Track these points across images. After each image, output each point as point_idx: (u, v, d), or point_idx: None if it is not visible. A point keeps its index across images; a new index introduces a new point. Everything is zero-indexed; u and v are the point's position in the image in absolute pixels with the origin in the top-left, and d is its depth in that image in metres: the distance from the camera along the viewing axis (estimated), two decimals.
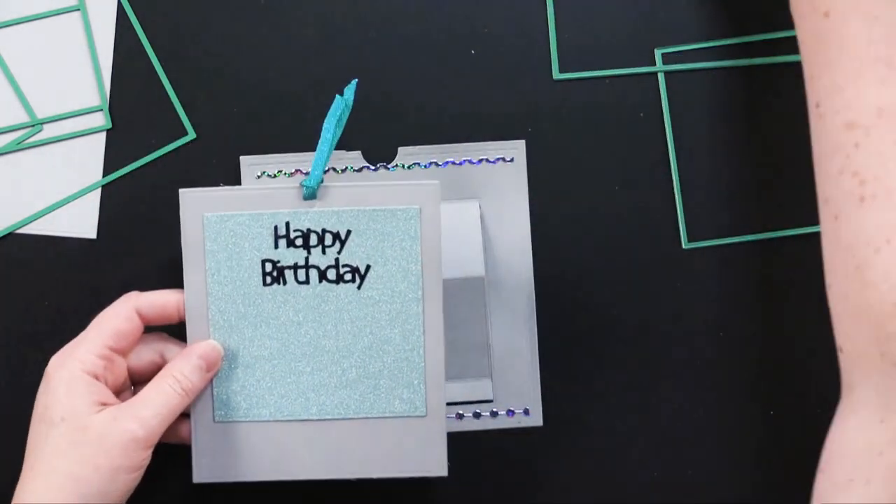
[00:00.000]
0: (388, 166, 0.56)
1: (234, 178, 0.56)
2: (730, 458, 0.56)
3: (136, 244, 0.56)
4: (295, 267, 0.51)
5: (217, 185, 0.56)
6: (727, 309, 0.57)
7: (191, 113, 0.57)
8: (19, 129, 0.57)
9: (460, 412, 0.56)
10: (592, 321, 0.56)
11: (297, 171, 0.56)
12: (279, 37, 0.57)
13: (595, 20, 0.57)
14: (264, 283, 0.51)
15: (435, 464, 0.52)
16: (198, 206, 0.50)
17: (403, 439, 0.51)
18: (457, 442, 0.56)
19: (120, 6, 0.57)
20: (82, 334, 0.50)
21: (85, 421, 0.47)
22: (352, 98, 0.51)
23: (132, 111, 0.57)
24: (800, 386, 0.57)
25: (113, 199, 0.56)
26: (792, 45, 0.58)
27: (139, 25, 0.57)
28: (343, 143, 0.56)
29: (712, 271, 0.57)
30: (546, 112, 0.57)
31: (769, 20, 0.57)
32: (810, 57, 0.45)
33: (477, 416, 0.56)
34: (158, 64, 0.57)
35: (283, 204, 0.50)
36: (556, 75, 0.57)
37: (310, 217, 0.50)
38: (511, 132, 0.57)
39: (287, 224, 0.50)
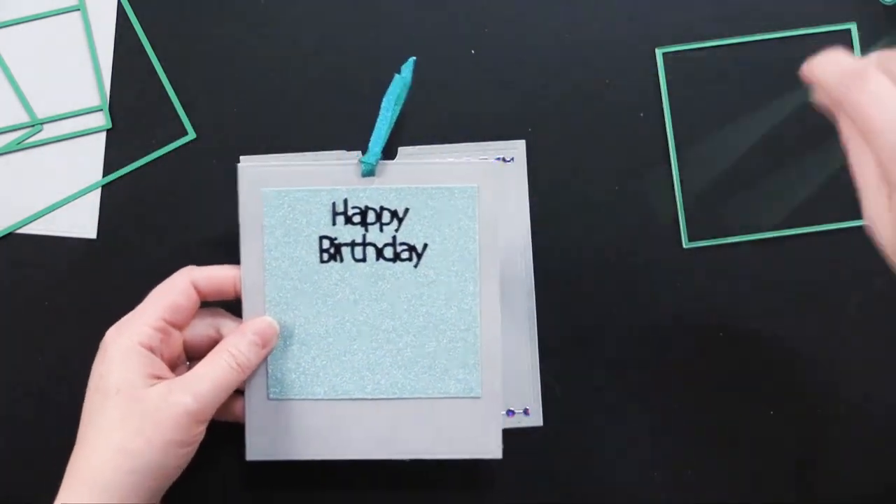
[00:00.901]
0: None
1: (234, 178, 0.56)
2: (730, 458, 0.56)
3: (136, 244, 0.56)
4: (352, 244, 0.50)
5: (216, 184, 0.56)
6: (727, 309, 0.57)
7: (191, 113, 0.57)
8: (19, 129, 0.57)
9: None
10: (592, 321, 0.56)
11: None
12: (279, 37, 0.57)
13: (595, 20, 0.57)
14: (321, 260, 0.50)
15: (489, 446, 0.51)
16: (256, 180, 0.50)
17: (458, 421, 0.51)
18: None
19: (120, 6, 0.57)
20: (139, 307, 0.49)
21: (139, 393, 0.46)
22: (410, 76, 0.51)
23: (132, 111, 0.57)
24: (800, 386, 0.57)
25: (113, 199, 0.56)
26: (792, 45, 0.58)
27: (139, 25, 0.57)
28: (343, 144, 0.56)
29: (712, 271, 0.57)
30: (546, 112, 0.57)
31: (769, 20, 0.57)
32: None
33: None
34: (158, 64, 0.57)
35: (341, 180, 0.50)
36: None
37: (368, 194, 0.50)
38: (511, 132, 0.57)
39: (345, 201, 0.50)
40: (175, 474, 0.47)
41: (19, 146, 0.57)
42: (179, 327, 0.50)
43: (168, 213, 0.56)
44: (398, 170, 0.50)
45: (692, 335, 0.57)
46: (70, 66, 0.57)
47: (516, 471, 0.56)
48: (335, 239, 0.50)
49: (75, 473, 0.46)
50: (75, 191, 0.56)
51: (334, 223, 0.50)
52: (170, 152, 0.57)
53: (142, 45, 0.57)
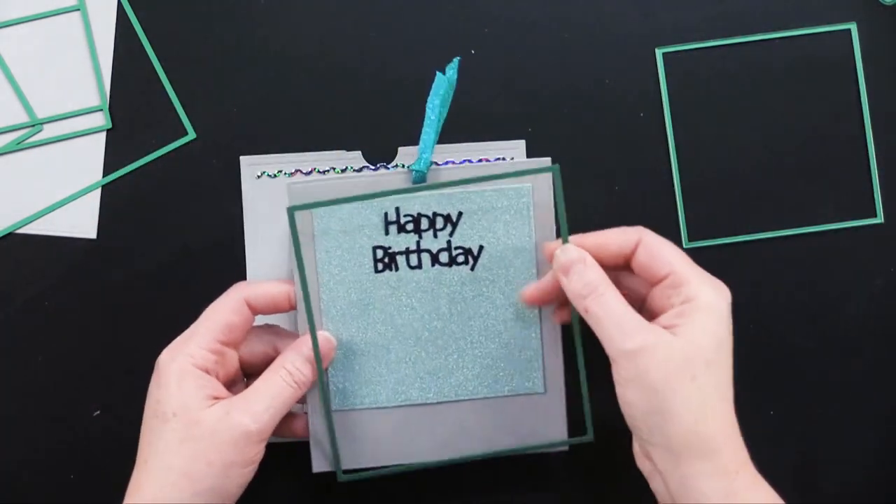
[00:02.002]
0: (388, 166, 0.56)
1: (234, 178, 0.56)
2: None
3: (136, 244, 0.56)
4: (407, 252, 0.50)
5: (217, 184, 0.56)
6: None
7: (191, 113, 0.57)
8: (19, 129, 0.57)
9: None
10: None
11: (297, 171, 0.56)
12: (279, 37, 0.57)
13: (595, 20, 0.57)
14: (376, 270, 0.50)
15: (555, 436, 0.51)
16: (306, 197, 0.49)
17: (523, 417, 0.51)
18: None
19: (120, 6, 0.57)
20: (192, 327, 0.49)
21: (196, 416, 0.46)
22: (454, 76, 0.50)
23: (132, 111, 0.57)
24: (800, 386, 0.57)
25: (113, 199, 0.56)
26: (792, 45, 0.58)
27: (139, 25, 0.57)
28: (343, 143, 0.56)
29: (712, 271, 0.57)
30: (546, 112, 0.57)
31: (769, 20, 0.57)
32: None
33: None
34: (158, 64, 0.57)
35: (392, 189, 0.49)
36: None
37: (420, 201, 0.50)
38: (511, 132, 0.57)
39: (397, 210, 0.50)
40: (237, 493, 0.47)
41: (19, 146, 0.56)
42: (234, 346, 0.49)
43: (168, 213, 0.56)
44: (450, 174, 0.50)
45: None
46: (70, 66, 0.57)
47: (516, 470, 0.56)
48: (389, 248, 0.50)
49: (138, 498, 0.45)
50: (75, 191, 0.56)
51: (387, 232, 0.50)
52: (170, 152, 0.57)
53: (142, 45, 0.57)
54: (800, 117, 0.57)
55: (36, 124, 0.57)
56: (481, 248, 0.50)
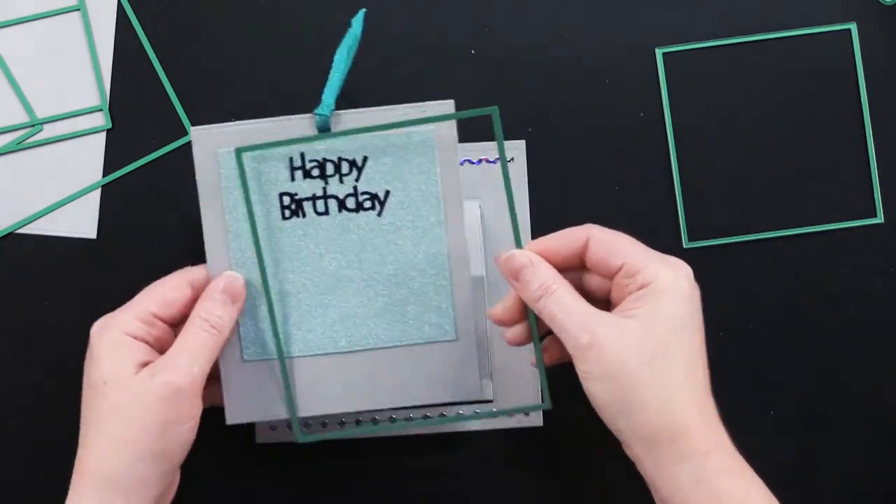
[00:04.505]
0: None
1: None
2: None
3: (136, 244, 0.56)
4: (313, 198, 0.50)
5: None
6: (727, 309, 0.57)
7: (191, 113, 0.57)
8: (19, 129, 0.57)
9: (460, 412, 0.56)
10: None
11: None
12: (279, 37, 0.57)
13: (595, 20, 0.57)
14: (283, 217, 0.50)
15: (471, 388, 0.51)
16: (211, 142, 0.49)
17: (436, 366, 0.50)
18: (457, 442, 0.56)
19: (120, 6, 0.57)
20: (129, 302, 0.49)
21: (126, 382, 0.46)
22: (359, 29, 0.50)
23: (132, 111, 0.57)
24: (800, 385, 0.57)
25: (113, 199, 0.56)
26: (792, 45, 0.58)
27: (139, 25, 0.57)
28: None
29: (712, 271, 0.57)
30: (546, 112, 0.57)
31: (769, 20, 0.57)
32: None
33: (477, 416, 0.56)
34: (158, 64, 0.57)
35: (296, 135, 0.49)
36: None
37: (325, 146, 0.49)
38: (511, 132, 0.57)
39: (302, 155, 0.49)
40: (181, 453, 0.47)
41: (19, 146, 0.56)
42: (171, 323, 0.49)
43: (168, 213, 0.56)
44: (353, 119, 0.49)
45: None
46: (70, 66, 0.57)
47: (516, 471, 0.56)
48: (295, 194, 0.50)
49: (81, 472, 0.46)
50: (75, 191, 0.56)
51: (293, 179, 0.50)
52: (170, 152, 0.57)
53: (142, 45, 0.57)
54: (800, 117, 0.57)
55: (36, 124, 0.57)
56: (388, 192, 0.50)
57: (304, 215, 0.50)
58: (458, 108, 0.57)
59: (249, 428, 0.55)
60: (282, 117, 0.50)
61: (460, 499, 0.56)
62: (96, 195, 0.56)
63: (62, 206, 0.56)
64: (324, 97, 0.49)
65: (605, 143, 0.57)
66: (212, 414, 0.53)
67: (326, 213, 0.50)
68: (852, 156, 0.57)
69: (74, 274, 0.56)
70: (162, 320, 0.48)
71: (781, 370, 0.57)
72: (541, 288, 0.46)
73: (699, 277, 0.57)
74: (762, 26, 0.57)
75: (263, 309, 0.50)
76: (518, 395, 0.56)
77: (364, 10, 0.51)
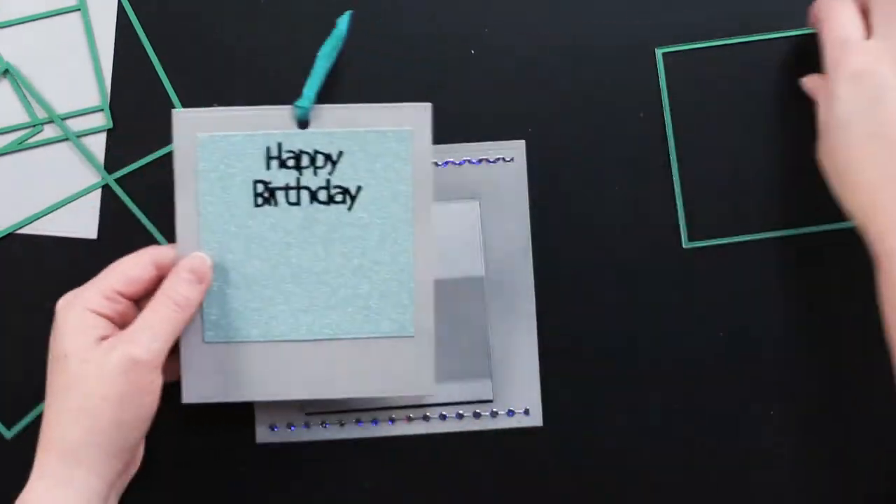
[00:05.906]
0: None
1: None
2: (729, 458, 0.56)
3: (136, 244, 0.56)
4: (286, 188, 0.51)
5: None
6: (727, 309, 0.57)
7: None
8: (19, 129, 0.57)
9: (460, 412, 0.56)
10: (592, 321, 0.56)
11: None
12: (279, 37, 0.57)
13: (595, 20, 0.57)
14: (255, 204, 0.51)
15: (423, 384, 0.52)
16: (191, 126, 0.50)
17: (392, 360, 0.52)
18: (457, 442, 0.56)
19: (120, 6, 0.57)
20: (93, 278, 0.50)
21: (86, 354, 0.46)
22: (345, 28, 0.52)
23: (132, 111, 0.57)
24: (800, 386, 0.57)
25: (113, 199, 0.56)
26: (792, 45, 0.58)
27: (139, 25, 0.57)
28: None
29: (712, 271, 0.57)
30: (546, 112, 0.57)
31: (769, 20, 0.57)
32: None
33: (477, 416, 0.56)
34: (158, 64, 0.57)
35: (276, 125, 0.51)
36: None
37: (302, 138, 0.51)
38: (511, 132, 0.57)
39: (279, 145, 0.51)
40: (142, 427, 0.47)
41: (19, 146, 0.57)
42: (135, 300, 0.50)
43: (168, 213, 0.56)
44: (332, 114, 0.51)
45: (692, 335, 0.57)
46: (70, 66, 0.57)
47: (516, 471, 0.56)
48: (269, 183, 0.51)
49: (44, 444, 0.47)
50: (75, 191, 0.56)
51: (269, 167, 0.51)
52: (170, 152, 0.56)
53: (142, 45, 0.57)
54: (800, 117, 0.57)
55: (36, 124, 0.57)
56: (359, 188, 0.51)
57: (276, 204, 0.51)
58: (458, 107, 0.57)
59: (249, 428, 0.55)
60: (262, 107, 0.51)
61: (460, 499, 0.56)
62: (96, 195, 0.56)
63: (62, 206, 0.56)
64: (304, 90, 0.51)
65: (605, 143, 0.57)
66: (212, 414, 0.54)
67: (298, 203, 0.51)
68: None
69: (74, 274, 0.56)
70: (125, 297, 0.49)
71: (782, 370, 0.57)
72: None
73: (699, 277, 0.57)
74: (762, 26, 0.57)
75: (228, 292, 0.51)
76: (518, 395, 0.56)
77: (350, 11, 0.53)
